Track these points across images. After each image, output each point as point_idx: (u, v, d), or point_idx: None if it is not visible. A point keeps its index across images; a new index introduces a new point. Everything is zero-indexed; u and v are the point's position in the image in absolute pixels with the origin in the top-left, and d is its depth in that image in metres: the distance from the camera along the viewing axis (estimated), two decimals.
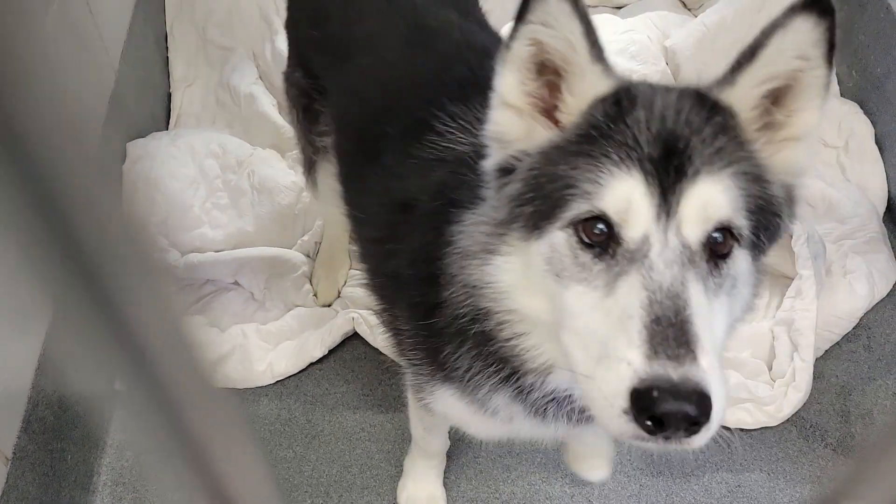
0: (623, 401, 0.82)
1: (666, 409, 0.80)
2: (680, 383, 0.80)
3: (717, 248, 0.91)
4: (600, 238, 0.91)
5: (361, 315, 2.08)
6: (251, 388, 2.06)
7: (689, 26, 2.71)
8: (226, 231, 2.23)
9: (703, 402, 0.80)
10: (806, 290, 2.08)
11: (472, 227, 1.08)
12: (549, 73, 1.00)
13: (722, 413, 0.83)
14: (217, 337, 2.10)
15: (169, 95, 2.66)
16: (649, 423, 0.81)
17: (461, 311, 1.09)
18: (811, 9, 0.93)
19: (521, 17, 0.95)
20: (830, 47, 0.95)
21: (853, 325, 2.15)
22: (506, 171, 1.02)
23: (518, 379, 1.10)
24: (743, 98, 0.99)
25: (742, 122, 0.98)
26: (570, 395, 1.10)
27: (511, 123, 1.01)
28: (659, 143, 0.90)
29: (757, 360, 2.07)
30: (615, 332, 0.86)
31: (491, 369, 1.12)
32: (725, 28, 2.65)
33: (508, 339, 1.06)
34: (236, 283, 2.22)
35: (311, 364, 2.10)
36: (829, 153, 2.51)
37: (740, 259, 0.94)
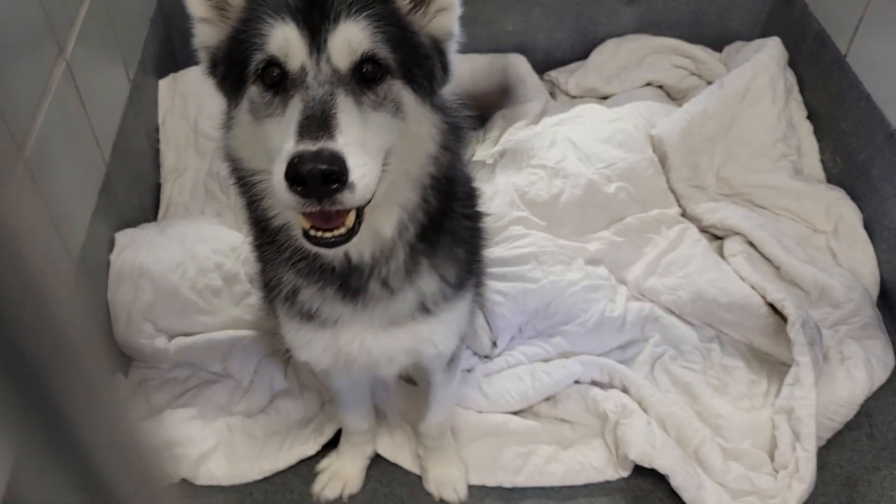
0: (282, 176, 1.08)
1: (305, 168, 1.06)
2: (317, 150, 1.07)
3: (368, 75, 1.19)
4: (277, 79, 1.19)
5: None
6: (236, 486, 1.98)
7: (675, 115, 2.76)
8: (220, 319, 2.19)
9: (336, 161, 1.07)
10: (804, 377, 2.04)
11: (222, 127, 1.36)
12: None
13: (364, 182, 1.11)
14: (202, 431, 2.04)
15: (159, 186, 2.67)
16: (300, 188, 1.08)
17: (238, 183, 1.36)
18: None
19: None
20: None
21: (854, 412, 2.10)
22: (213, 67, 1.32)
23: (276, 238, 1.37)
24: None
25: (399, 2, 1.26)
26: (333, 266, 1.38)
27: (206, 32, 1.31)
28: None
29: (758, 451, 2.02)
30: (285, 135, 1.12)
31: (265, 239, 1.41)
32: (709, 116, 2.70)
33: (256, 201, 1.33)
34: (224, 370, 2.17)
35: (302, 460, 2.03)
36: (818, 238, 2.52)
37: (397, 88, 1.22)
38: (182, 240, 2.26)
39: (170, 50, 2.91)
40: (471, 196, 1.56)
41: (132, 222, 2.34)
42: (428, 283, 1.48)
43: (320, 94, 1.14)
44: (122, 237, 2.23)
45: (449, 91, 1.38)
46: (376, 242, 1.37)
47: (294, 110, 1.14)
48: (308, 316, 1.50)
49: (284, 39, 1.17)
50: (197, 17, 1.31)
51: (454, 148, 1.36)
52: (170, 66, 2.83)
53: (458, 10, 1.33)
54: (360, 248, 1.35)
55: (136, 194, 2.47)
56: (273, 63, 1.19)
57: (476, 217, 1.59)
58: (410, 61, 1.25)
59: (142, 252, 2.19)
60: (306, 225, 1.19)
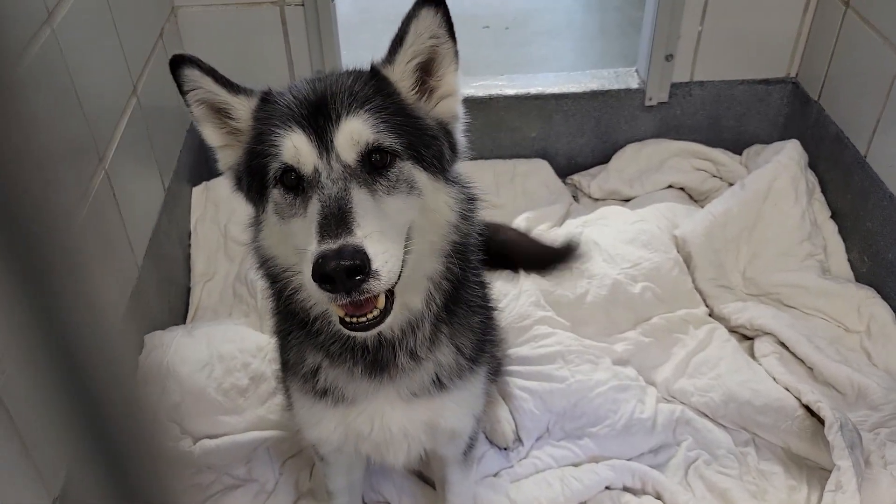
0: (310, 276, 1.15)
1: (330, 266, 1.13)
2: (339, 248, 1.14)
3: (377, 163, 1.27)
4: (295, 182, 1.28)
5: None
6: None
7: (698, 216, 2.78)
8: (246, 419, 2.17)
9: (357, 255, 1.14)
10: (846, 482, 1.96)
11: (251, 225, 1.47)
12: (219, 112, 1.41)
13: (388, 268, 1.18)
14: None
15: (189, 289, 2.72)
16: (327, 285, 1.15)
17: (268, 278, 1.45)
18: (429, 3, 1.33)
19: (182, 92, 1.38)
20: (450, 26, 1.36)
21: None
22: (238, 183, 1.43)
23: (313, 327, 1.43)
24: (399, 72, 1.38)
25: (399, 88, 1.37)
26: (365, 345, 1.42)
27: (225, 156, 1.45)
28: (310, 105, 1.28)
29: None
30: (308, 235, 1.20)
31: (295, 325, 1.47)
32: (732, 217, 2.72)
33: (292, 294, 1.40)
34: (248, 473, 2.14)
35: None
36: (851, 338, 2.48)
37: (407, 169, 1.30)
38: (209, 340, 2.28)
39: (203, 159, 3.02)
40: (480, 264, 1.59)
41: (162, 325, 2.37)
42: (445, 353, 1.50)
43: (335, 191, 1.22)
44: (150, 339, 2.26)
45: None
46: (406, 315, 1.41)
47: (314, 210, 1.22)
48: (322, 392, 1.53)
49: (294, 147, 1.26)
50: (215, 146, 1.45)
51: (471, 217, 1.44)
52: (202, 174, 2.93)
53: (460, 96, 1.45)
54: (391, 323, 1.38)
55: (167, 297, 2.51)
56: (289, 169, 1.28)
57: (486, 286, 1.64)
58: (417, 143, 1.33)
59: (169, 353, 2.21)
60: (341, 313, 1.26)
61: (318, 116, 1.27)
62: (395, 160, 1.29)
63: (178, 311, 2.60)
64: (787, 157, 2.82)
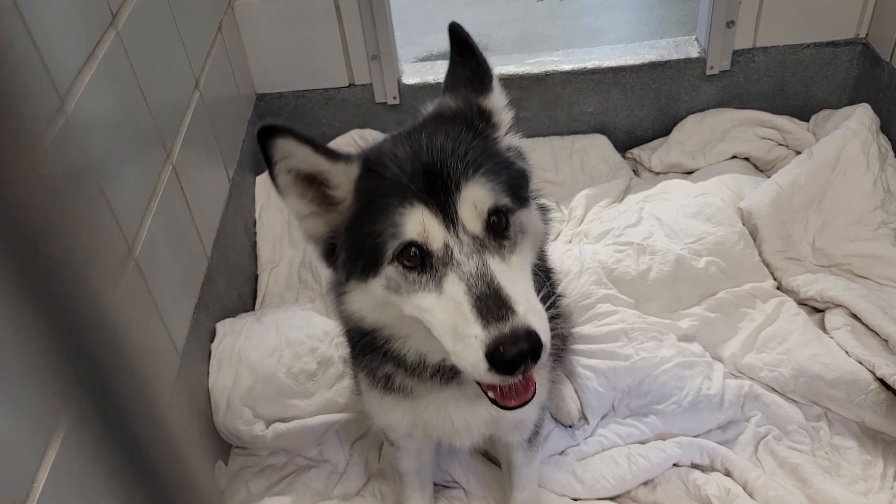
0: (483, 364, 1.14)
1: (511, 353, 1.13)
2: (511, 333, 1.13)
3: (497, 226, 1.25)
4: (416, 259, 1.23)
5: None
6: None
7: (763, 187, 2.71)
8: (315, 402, 2.23)
9: (532, 336, 1.14)
10: None
11: (332, 287, 1.45)
12: (311, 181, 1.33)
13: (547, 332, 1.17)
14: None
15: (256, 277, 2.79)
16: (505, 369, 1.14)
17: (355, 333, 1.48)
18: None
19: (269, 160, 1.29)
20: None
21: None
22: (329, 252, 1.37)
23: (402, 363, 1.45)
24: (496, 99, 1.38)
25: (497, 120, 1.37)
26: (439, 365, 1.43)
27: (313, 226, 1.37)
28: (424, 175, 1.23)
29: None
30: (457, 317, 1.18)
31: (382, 362, 1.49)
32: (800, 187, 2.64)
33: (383, 344, 1.41)
34: (320, 454, 2.20)
35: None
36: None
37: (517, 218, 1.28)
38: (277, 327, 2.35)
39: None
40: (549, 274, 1.60)
41: (231, 312, 2.45)
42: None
43: (474, 267, 1.19)
44: (222, 327, 2.34)
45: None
46: None
47: (455, 290, 1.19)
48: (391, 388, 1.55)
49: (421, 224, 1.21)
50: (299, 216, 1.37)
51: (549, 226, 1.46)
52: (265, 163, 2.99)
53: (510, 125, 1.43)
54: None
55: (235, 286, 2.59)
56: (410, 245, 1.23)
57: (550, 273, 1.63)
58: (516, 188, 1.31)
59: (240, 340, 2.28)
60: (490, 394, 1.28)
61: (436, 188, 1.23)
62: (510, 217, 1.27)
63: (246, 299, 2.68)
64: (858, 122, 2.72)
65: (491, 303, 1.15)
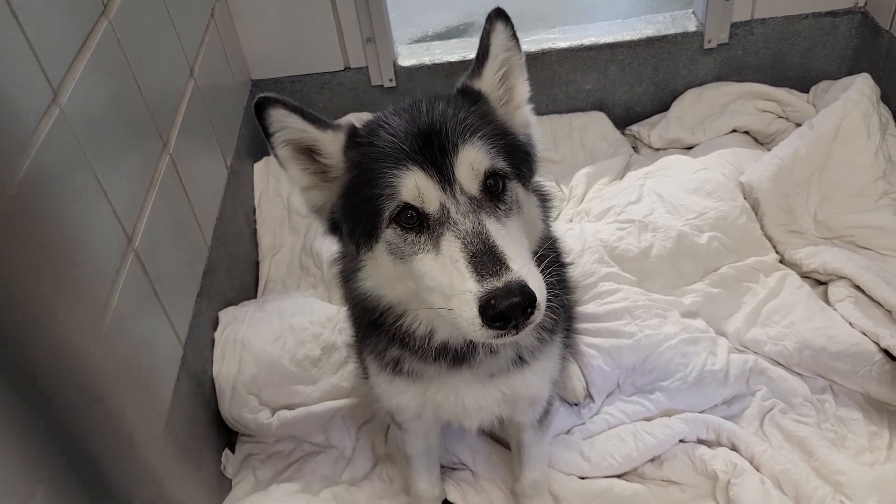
0: (477, 318, 1.16)
1: (504, 305, 1.14)
2: (505, 286, 1.14)
3: (494, 188, 1.27)
4: (413, 220, 1.25)
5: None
6: None
7: (764, 160, 2.70)
8: (320, 388, 2.23)
9: (526, 290, 1.15)
10: None
11: (345, 263, 1.47)
12: (308, 153, 1.38)
13: (543, 292, 1.19)
14: None
15: (257, 264, 2.79)
16: (498, 323, 1.15)
17: (364, 314, 1.48)
18: (499, 16, 1.38)
19: (267, 134, 1.34)
20: (516, 39, 1.41)
21: None
22: (335, 226, 1.40)
23: (408, 343, 1.45)
24: (488, 83, 1.41)
25: (491, 100, 1.40)
26: (452, 347, 1.44)
27: (315, 197, 1.41)
28: (418, 139, 1.26)
29: None
30: (453, 274, 1.19)
31: (390, 344, 1.49)
32: (801, 159, 2.63)
33: (392, 324, 1.43)
34: (326, 440, 2.21)
35: None
36: None
37: (513, 188, 1.31)
38: (280, 313, 2.34)
39: (262, 135, 3.07)
40: (554, 244, 1.60)
41: (234, 300, 2.44)
42: (527, 336, 1.50)
43: (470, 225, 1.21)
44: (224, 315, 2.33)
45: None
46: None
47: (452, 248, 1.21)
48: (399, 371, 1.56)
49: (416, 187, 1.24)
50: (300, 187, 1.41)
51: (550, 217, 1.48)
52: (263, 150, 2.98)
53: (529, 104, 1.48)
54: None
55: (237, 274, 2.58)
56: (407, 207, 1.25)
57: (561, 263, 1.64)
58: (517, 160, 1.34)
59: (243, 328, 2.28)
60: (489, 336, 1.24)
61: (430, 150, 1.25)
62: (507, 182, 1.30)
63: (248, 286, 2.67)
64: (858, 92, 2.70)
65: (486, 259, 1.17)
